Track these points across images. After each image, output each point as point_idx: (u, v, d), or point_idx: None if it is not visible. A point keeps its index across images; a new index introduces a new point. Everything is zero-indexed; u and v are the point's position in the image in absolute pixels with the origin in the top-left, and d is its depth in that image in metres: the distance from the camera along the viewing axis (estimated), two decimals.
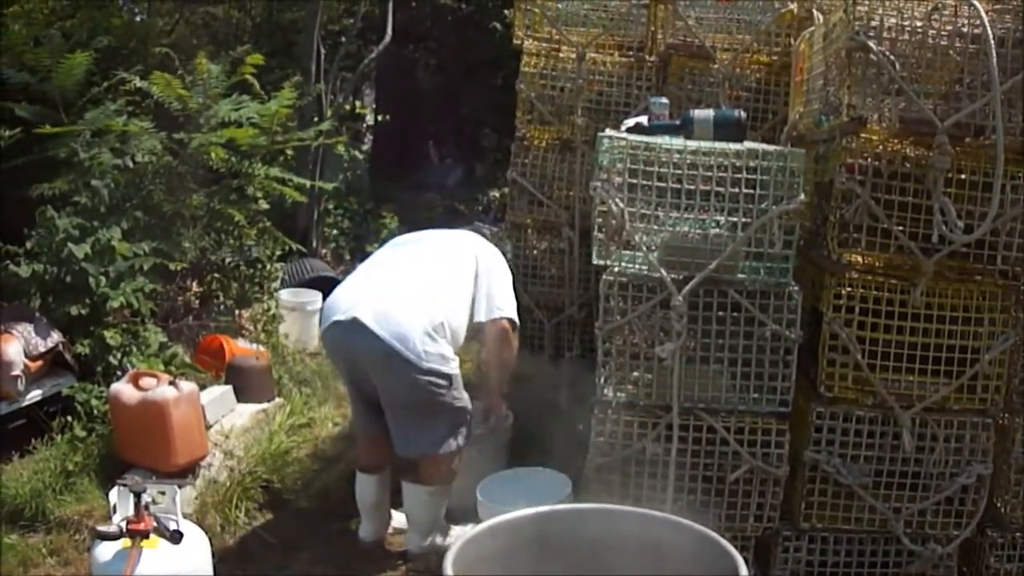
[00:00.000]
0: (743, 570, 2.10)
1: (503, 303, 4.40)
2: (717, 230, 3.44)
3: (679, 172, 3.41)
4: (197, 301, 6.83)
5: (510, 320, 4.41)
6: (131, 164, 5.78)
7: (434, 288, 4.27)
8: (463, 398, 4.25)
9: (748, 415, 3.56)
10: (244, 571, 4.39)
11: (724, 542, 2.19)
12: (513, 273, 5.54)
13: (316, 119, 8.08)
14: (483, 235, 5.26)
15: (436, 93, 8.22)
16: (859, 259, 3.46)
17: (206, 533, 4.22)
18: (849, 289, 3.46)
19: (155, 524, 3.35)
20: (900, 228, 3.40)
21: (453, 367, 4.19)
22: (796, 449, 3.60)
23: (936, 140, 3.32)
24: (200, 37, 8.77)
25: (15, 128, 5.83)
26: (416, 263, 4.43)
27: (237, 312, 6.83)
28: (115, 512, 3.41)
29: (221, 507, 4.67)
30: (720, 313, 3.50)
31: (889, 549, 3.69)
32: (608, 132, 3.61)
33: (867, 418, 3.56)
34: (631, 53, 5.09)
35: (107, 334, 5.29)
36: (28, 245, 5.46)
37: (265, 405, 5.52)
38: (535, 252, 5.49)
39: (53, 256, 5.37)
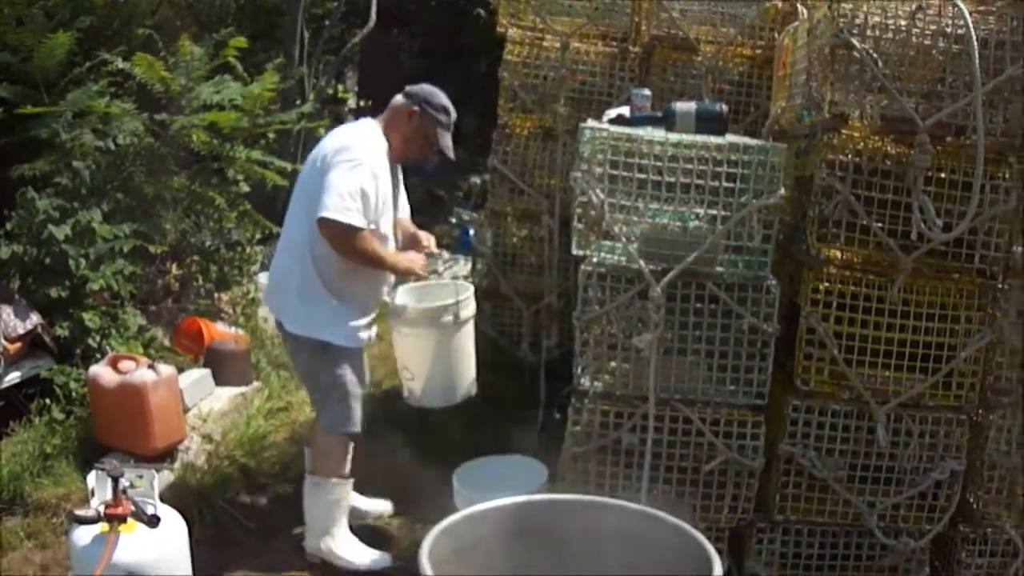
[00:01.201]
0: (717, 567, 2.11)
1: (329, 200, 3.88)
2: (696, 223, 3.45)
3: (660, 164, 3.42)
4: (177, 284, 6.78)
5: (338, 222, 3.89)
6: (112, 146, 5.74)
7: (296, 234, 4.12)
8: (343, 375, 4.14)
9: (724, 407, 3.58)
10: (222, 555, 4.38)
11: (700, 536, 2.20)
12: (492, 260, 5.60)
13: (299, 102, 8.04)
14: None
15: (419, 78, 8.24)
16: (838, 254, 3.48)
17: (184, 517, 4.23)
18: (827, 284, 3.48)
19: (133, 508, 3.34)
20: (879, 225, 3.43)
21: (329, 334, 4.08)
22: (772, 442, 3.61)
23: (917, 139, 3.34)
24: (183, 19, 8.67)
25: None
26: (289, 215, 4.23)
27: (216, 295, 6.80)
28: (93, 496, 3.40)
29: (199, 491, 4.66)
30: (698, 305, 3.51)
31: (863, 542, 3.72)
32: (590, 123, 3.61)
33: (843, 412, 3.58)
34: (615, 43, 5.09)
35: (86, 316, 5.27)
36: (8, 226, 5.43)
37: (243, 389, 5.52)
38: (515, 240, 5.51)
39: (33, 237, 5.34)
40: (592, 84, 5.04)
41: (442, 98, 4.21)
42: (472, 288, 4.69)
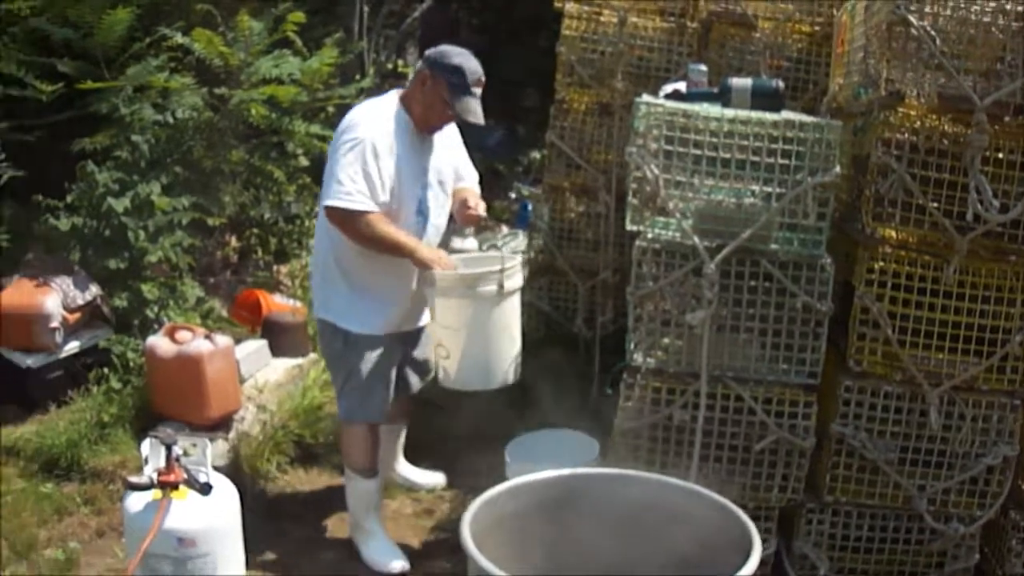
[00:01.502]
0: (756, 543, 2.11)
1: (329, 187, 3.81)
2: (751, 199, 3.43)
3: (715, 140, 3.39)
4: (236, 256, 6.89)
5: (340, 208, 3.79)
6: (171, 120, 5.80)
7: (321, 218, 4.03)
8: (360, 362, 4.00)
9: (776, 385, 3.55)
10: (274, 525, 4.45)
11: (740, 512, 2.20)
12: (548, 235, 5.58)
13: (358, 77, 8.08)
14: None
15: (479, 53, 8.20)
16: (893, 234, 3.43)
17: (237, 486, 4.29)
18: (882, 264, 3.43)
19: (185, 476, 3.38)
20: (935, 205, 3.37)
21: (345, 321, 3.98)
22: (824, 422, 3.59)
23: (975, 118, 3.28)
24: None
25: (57, 83, 5.84)
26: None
27: (275, 268, 6.89)
28: (147, 463, 3.44)
29: (253, 460, 4.73)
30: (752, 283, 3.49)
31: (912, 526, 3.68)
32: (645, 98, 3.59)
33: (895, 394, 3.53)
34: (672, 19, 5.05)
35: (144, 288, 5.35)
36: (68, 199, 5.50)
37: (299, 360, 5.55)
38: (571, 215, 5.50)
39: (93, 210, 5.42)
40: (649, 59, 5.01)
41: (455, 58, 3.88)
42: (520, 258, 4.35)
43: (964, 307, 3.44)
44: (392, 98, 3.99)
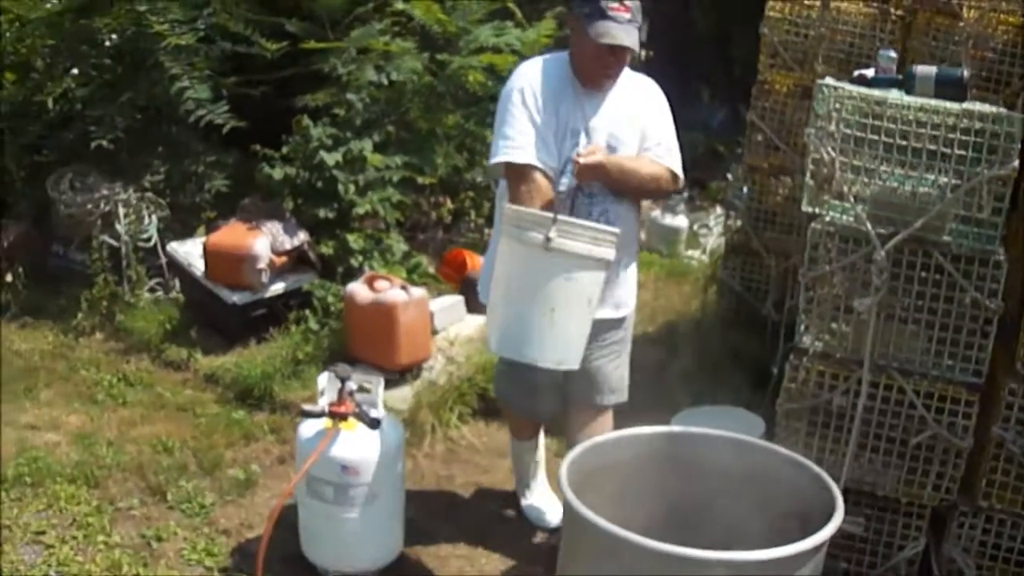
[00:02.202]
0: (840, 508, 2.13)
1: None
2: (927, 189, 3.37)
3: (893, 127, 3.36)
4: (450, 217, 7.15)
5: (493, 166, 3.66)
6: (385, 82, 6.05)
7: None
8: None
9: (939, 381, 3.48)
10: (447, 469, 4.69)
11: (834, 486, 2.23)
12: (745, 215, 5.57)
13: None
14: None
15: (708, 32, 8.14)
16: None
17: (417, 430, 4.56)
18: None
19: (356, 409, 3.65)
20: None
21: (483, 293, 3.76)
22: (985, 424, 3.49)
23: None
24: None
25: (284, 42, 6.20)
26: None
27: (486, 230, 7.11)
28: (322, 395, 3.73)
29: (436, 408, 4.95)
30: (923, 274, 3.43)
31: None
32: (828, 81, 3.58)
33: None
34: (876, 4, 4.95)
35: (351, 238, 5.64)
36: (284, 150, 5.86)
37: None
38: (769, 196, 5.49)
39: (306, 162, 5.74)
40: (852, 44, 4.94)
41: None
42: (616, 232, 3.39)
43: None
44: (563, 54, 3.73)
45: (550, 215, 3.28)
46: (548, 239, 3.23)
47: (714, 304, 5.95)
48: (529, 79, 3.62)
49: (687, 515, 2.21)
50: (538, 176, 3.54)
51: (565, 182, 3.62)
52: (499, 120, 3.63)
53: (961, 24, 4.52)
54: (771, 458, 2.41)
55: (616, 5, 3.49)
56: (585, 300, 3.34)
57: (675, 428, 2.58)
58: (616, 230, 3.39)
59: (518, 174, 3.56)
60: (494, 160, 3.60)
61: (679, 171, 3.78)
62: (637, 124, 3.72)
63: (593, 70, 3.61)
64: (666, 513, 2.22)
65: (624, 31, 3.49)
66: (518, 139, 3.54)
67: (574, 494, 2.16)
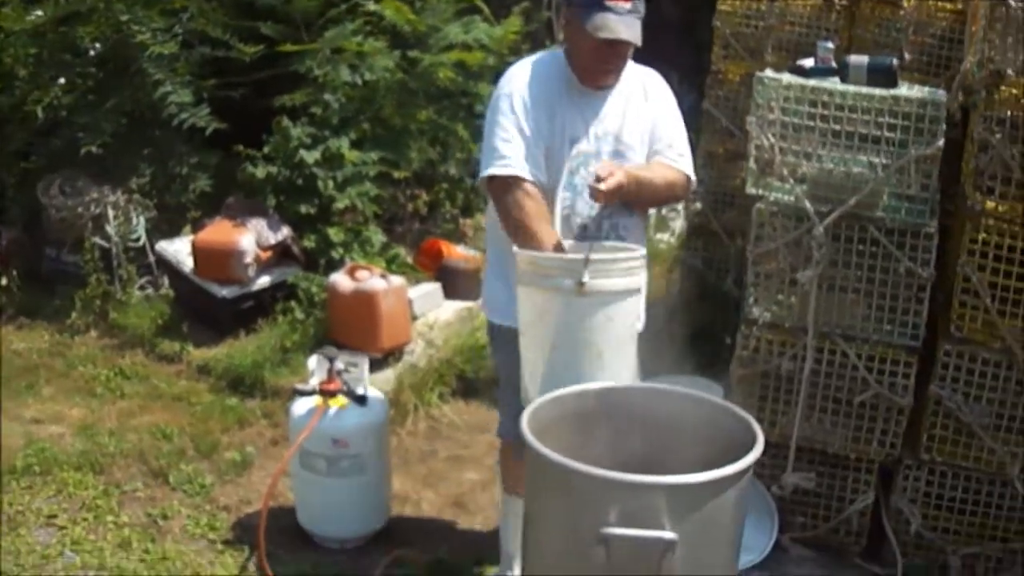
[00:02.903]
0: (759, 443, 2.43)
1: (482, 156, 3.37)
2: (860, 169, 3.67)
3: (827, 112, 3.66)
4: (425, 209, 7.37)
5: (483, 178, 3.33)
6: (359, 81, 6.24)
7: None
8: (501, 363, 3.49)
9: (880, 345, 3.78)
10: (430, 444, 4.97)
11: (754, 423, 2.53)
12: (704, 197, 5.84)
13: (548, 43, 8.43)
14: None
15: (675, 17, 8.34)
16: (993, 206, 3.55)
17: (401, 410, 4.82)
18: (984, 235, 3.54)
19: (344, 387, 3.94)
20: None
21: (490, 312, 3.56)
22: (925, 383, 3.76)
23: None
24: None
25: (260, 45, 6.37)
26: None
27: (461, 220, 7.30)
28: (312, 376, 4.01)
29: (417, 389, 5.22)
30: (860, 247, 3.73)
31: (1004, 491, 3.76)
32: (767, 73, 3.88)
33: (993, 361, 3.63)
34: None
35: (331, 231, 5.85)
36: (265, 150, 6.06)
37: (471, 303, 5.88)
38: (726, 180, 5.75)
39: (287, 160, 5.94)
40: (800, 34, 5.18)
41: None
42: (643, 253, 3.15)
43: None
44: (555, 51, 3.45)
45: (579, 257, 2.93)
46: (582, 284, 2.90)
47: (679, 283, 6.22)
48: (516, 84, 3.29)
49: (642, 462, 2.49)
50: (527, 187, 3.21)
51: (568, 196, 3.28)
52: (486, 131, 3.32)
53: (902, 12, 4.77)
54: (714, 410, 2.70)
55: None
56: (628, 335, 3.07)
57: (633, 384, 2.87)
58: (642, 250, 3.15)
59: (503, 186, 3.23)
60: (481, 176, 3.31)
61: (692, 175, 3.51)
62: (645, 124, 3.42)
63: (592, 68, 3.30)
64: (625, 460, 2.49)
65: (625, 23, 3.17)
66: (503, 149, 3.23)
67: (535, 438, 2.43)
